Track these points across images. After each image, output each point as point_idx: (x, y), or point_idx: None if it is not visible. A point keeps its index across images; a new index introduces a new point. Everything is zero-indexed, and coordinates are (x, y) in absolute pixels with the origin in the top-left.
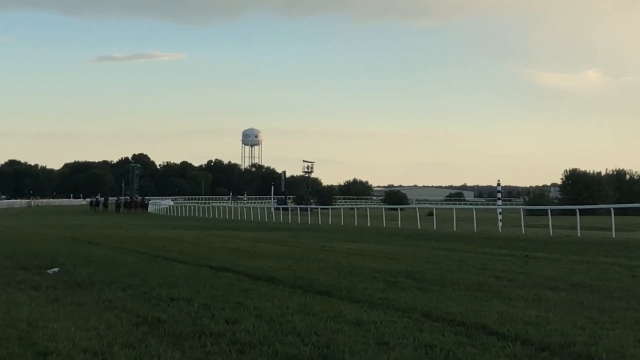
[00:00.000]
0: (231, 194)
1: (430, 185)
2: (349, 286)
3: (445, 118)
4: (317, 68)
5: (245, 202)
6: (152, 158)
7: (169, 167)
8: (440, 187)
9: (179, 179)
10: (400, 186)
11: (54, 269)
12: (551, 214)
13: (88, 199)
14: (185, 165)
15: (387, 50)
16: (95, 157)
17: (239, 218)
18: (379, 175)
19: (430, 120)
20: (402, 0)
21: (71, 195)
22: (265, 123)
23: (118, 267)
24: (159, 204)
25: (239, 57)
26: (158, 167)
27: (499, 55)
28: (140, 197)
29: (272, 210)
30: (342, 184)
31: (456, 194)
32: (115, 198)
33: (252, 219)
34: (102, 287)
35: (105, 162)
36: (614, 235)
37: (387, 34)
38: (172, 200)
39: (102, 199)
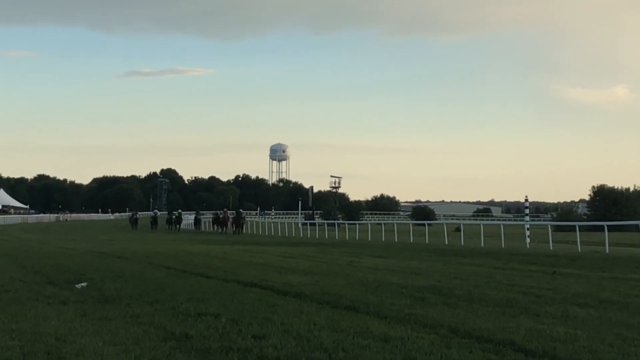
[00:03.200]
0: (259, 208)
1: (457, 200)
2: (376, 302)
3: (473, 133)
4: (345, 83)
5: (273, 217)
6: (180, 173)
7: (197, 182)
8: (467, 202)
9: (206, 193)
10: (428, 201)
11: (82, 284)
12: (579, 230)
13: (126, 214)
14: (213, 180)
15: (414, 65)
16: (123, 172)
17: (267, 233)
18: (406, 191)
19: (458, 135)
20: (429, 16)
21: (99, 210)
22: (293, 138)
23: (146, 282)
24: (187, 219)
25: (267, 72)
26: (186, 181)
27: (526, 70)
28: (233, 212)
29: (300, 225)
30: (370, 199)
31: (484, 210)
32: (165, 213)
33: (279, 234)
34: (130, 301)
35: (133, 177)
36: None
37: (414, 48)
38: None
39: (153, 213)
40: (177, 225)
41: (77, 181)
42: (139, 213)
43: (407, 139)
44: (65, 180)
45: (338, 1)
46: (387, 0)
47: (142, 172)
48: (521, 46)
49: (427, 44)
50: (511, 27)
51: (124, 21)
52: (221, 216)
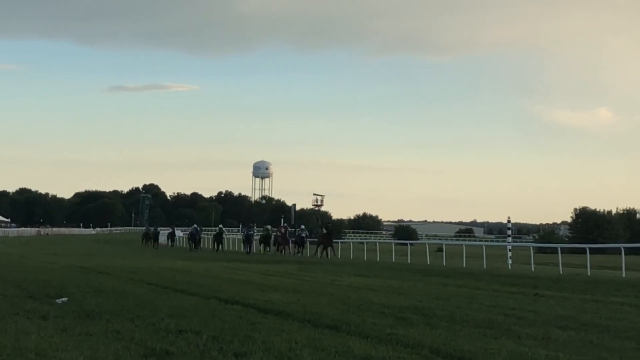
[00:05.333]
0: (241, 225)
1: (440, 220)
2: (357, 321)
3: (456, 153)
4: (329, 101)
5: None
6: (162, 188)
7: (179, 198)
8: (450, 222)
9: (189, 209)
10: (410, 221)
11: (63, 299)
12: (561, 252)
13: (142, 228)
14: (195, 196)
15: (398, 84)
16: (106, 186)
17: (249, 250)
18: (389, 210)
19: (442, 155)
20: (415, 35)
21: (81, 224)
22: (277, 155)
23: (127, 298)
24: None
25: (252, 89)
26: (168, 197)
27: (511, 91)
28: (292, 230)
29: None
30: (352, 217)
31: (466, 230)
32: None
33: (261, 251)
34: (111, 317)
35: (115, 192)
36: (624, 275)
37: (399, 68)
38: (181, 231)
39: (194, 229)
40: (171, 242)
41: (59, 195)
42: (160, 229)
43: (390, 158)
44: (47, 194)
45: (324, 20)
46: (372, 20)
47: (125, 187)
48: (506, 68)
49: (412, 64)
50: (496, 48)
51: (109, 36)
52: (280, 233)
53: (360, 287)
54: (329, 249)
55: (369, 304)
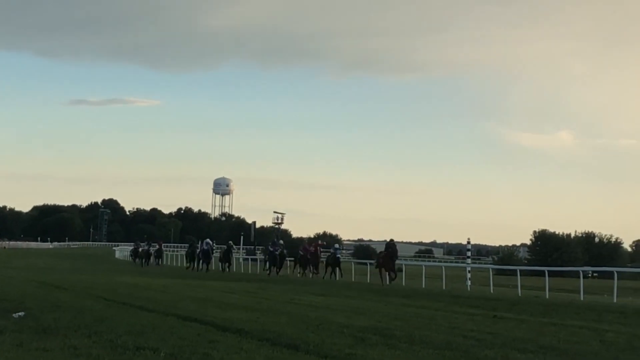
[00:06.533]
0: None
1: (400, 240)
2: (316, 340)
3: (417, 173)
4: (291, 119)
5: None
6: (121, 203)
7: (138, 213)
8: (410, 242)
9: (148, 225)
10: (370, 240)
11: (20, 313)
12: (520, 274)
13: (132, 245)
14: (155, 212)
15: (361, 103)
16: (64, 200)
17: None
18: (349, 229)
19: (402, 175)
20: (378, 55)
21: (39, 238)
22: (237, 172)
23: (85, 313)
24: (127, 251)
25: (213, 105)
26: (127, 213)
27: (473, 112)
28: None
29: (241, 260)
30: (312, 236)
31: (426, 251)
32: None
33: (220, 268)
34: (68, 333)
35: (74, 206)
36: (582, 298)
37: (362, 87)
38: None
39: (206, 245)
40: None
41: (17, 208)
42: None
43: (351, 177)
44: (4, 207)
45: (287, 37)
46: (336, 39)
47: (84, 202)
48: (468, 89)
49: (375, 83)
50: (459, 70)
51: (71, 49)
52: (309, 251)
53: (320, 307)
54: (390, 273)
55: (328, 323)
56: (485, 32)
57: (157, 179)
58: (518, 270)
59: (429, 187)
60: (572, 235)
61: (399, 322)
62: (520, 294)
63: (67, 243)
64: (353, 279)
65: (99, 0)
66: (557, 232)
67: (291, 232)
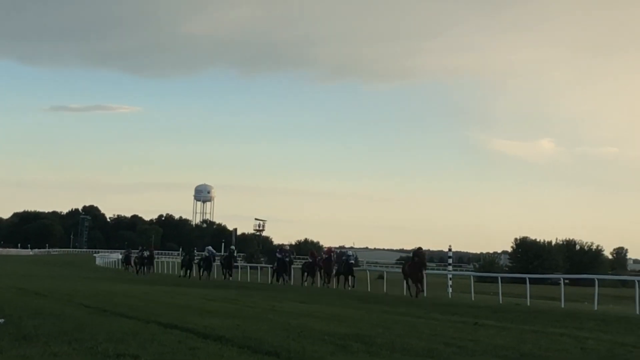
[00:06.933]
0: (181, 249)
1: (381, 247)
2: (297, 348)
3: (399, 180)
4: (273, 126)
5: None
6: (102, 210)
7: (119, 220)
8: (391, 249)
9: (129, 232)
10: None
11: (0, 320)
12: (501, 282)
13: (123, 252)
14: (135, 218)
15: (343, 110)
16: (45, 207)
17: (189, 274)
18: (331, 236)
19: (384, 182)
20: (360, 62)
21: (19, 245)
22: (219, 179)
23: (65, 320)
24: (108, 257)
25: (195, 111)
26: (108, 219)
27: (455, 119)
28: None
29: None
30: (294, 243)
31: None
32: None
33: (223, 276)
34: (49, 340)
35: (55, 213)
36: (563, 306)
37: (343, 94)
38: (120, 253)
39: (208, 252)
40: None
41: None
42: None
43: (333, 184)
44: None
45: (269, 44)
46: (317, 46)
47: (64, 208)
48: (450, 97)
49: (357, 90)
50: (441, 77)
51: (53, 56)
52: (321, 258)
53: (301, 314)
54: (418, 285)
55: (310, 330)
56: (469, 40)
57: (138, 186)
58: (499, 278)
59: (411, 193)
60: (553, 242)
61: (380, 330)
62: (501, 301)
63: (47, 250)
64: (335, 286)
65: (81, 7)
66: (538, 240)
67: (272, 239)
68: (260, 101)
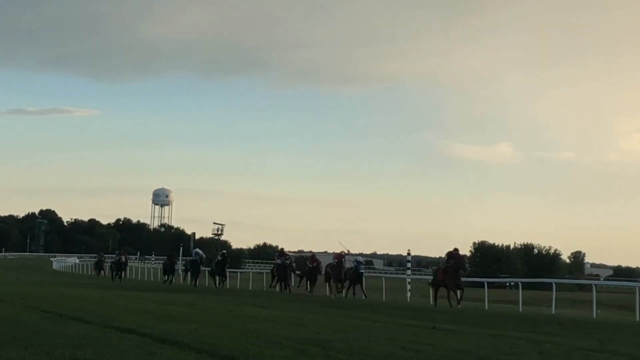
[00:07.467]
0: (139, 253)
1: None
2: (255, 352)
3: (357, 185)
4: (232, 130)
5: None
6: (59, 214)
7: (76, 224)
8: (351, 254)
9: (86, 236)
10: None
11: None
12: None
13: (95, 257)
14: (93, 222)
15: (302, 114)
16: (1, 211)
17: (146, 278)
18: (290, 240)
19: (343, 186)
20: (319, 66)
21: None
22: (177, 183)
23: (20, 325)
24: (65, 262)
25: (154, 115)
26: (65, 223)
27: (412, 124)
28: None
29: (180, 271)
30: (252, 247)
31: (366, 262)
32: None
33: (159, 279)
34: (3, 345)
35: (11, 217)
36: (521, 309)
37: (303, 98)
38: (77, 257)
39: (194, 254)
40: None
41: None
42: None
43: (292, 188)
44: None
45: (229, 48)
46: (278, 50)
47: (21, 212)
48: (407, 101)
49: (317, 95)
50: (398, 81)
51: (9, 58)
52: (332, 263)
53: (259, 318)
54: (457, 291)
55: (268, 335)
56: (425, 43)
57: (96, 190)
58: None
59: (369, 198)
60: (512, 246)
61: (338, 334)
62: (459, 306)
63: (3, 254)
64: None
65: (37, 9)
66: (496, 244)
67: (231, 243)
68: (219, 105)
